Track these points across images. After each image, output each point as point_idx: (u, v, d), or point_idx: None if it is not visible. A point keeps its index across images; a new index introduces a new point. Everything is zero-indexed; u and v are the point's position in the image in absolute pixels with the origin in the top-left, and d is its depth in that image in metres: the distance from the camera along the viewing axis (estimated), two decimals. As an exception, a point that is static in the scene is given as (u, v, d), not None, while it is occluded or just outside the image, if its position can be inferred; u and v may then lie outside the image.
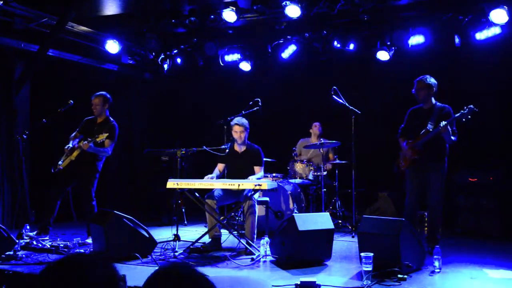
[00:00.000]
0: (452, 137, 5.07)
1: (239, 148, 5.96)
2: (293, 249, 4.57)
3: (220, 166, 6.05)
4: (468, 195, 6.46)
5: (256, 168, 5.87)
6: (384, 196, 7.33)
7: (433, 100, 5.34)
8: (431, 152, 5.20)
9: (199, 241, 5.46)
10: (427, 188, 5.25)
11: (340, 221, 6.94)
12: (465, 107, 4.99)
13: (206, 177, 5.72)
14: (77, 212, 6.24)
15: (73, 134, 6.11)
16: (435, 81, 5.37)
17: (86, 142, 5.67)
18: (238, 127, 5.84)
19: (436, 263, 4.32)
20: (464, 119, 4.97)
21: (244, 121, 5.93)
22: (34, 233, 5.81)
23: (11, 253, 4.82)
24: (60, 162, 5.87)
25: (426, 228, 5.74)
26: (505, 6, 5.96)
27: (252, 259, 4.85)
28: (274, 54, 8.01)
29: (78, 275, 1.36)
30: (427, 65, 7.56)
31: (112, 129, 5.96)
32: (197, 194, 5.53)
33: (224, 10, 6.65)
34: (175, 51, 8.34)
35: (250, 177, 5.59)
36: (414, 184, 5.34)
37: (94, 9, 6.74)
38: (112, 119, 6.09)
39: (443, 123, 5.00)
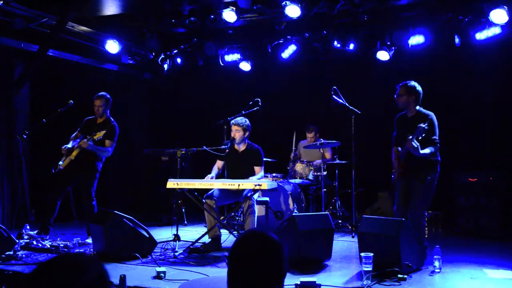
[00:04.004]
0: (427, 150, 4.67)
1: (238, 147, 5.96)
2: (293, 249, 4.57)
3: (219, 163, 6.04)
4: (468, 195, 6.45)
5: (256, 169, 5.87)
6: (384, 196, 7.32)
7: (417, 107, 4.99)
8: (413, 162, 4.82)
9: (199, 241, 5.46)
10: (412, 196, 4.90)
11: (340, 221, 6.94)
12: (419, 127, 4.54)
13: (206, 177, 5.72)
14: (77, 212, 6.24)
15: (74, 134, 6.13)
16: (420, 89, 4.98)
17: (85, 140, 5.69)
18: (235, 126, 5.85)
19: (436, 263, 4.32)
20: (420, 137, 4.58)
21: (243, 121, 5.89)
22: (35, 232, 5.82)
23: (11, 253, 4.82)
24: (60, 163, 5.88)
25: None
26: (505, 6, 5.95)
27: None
28: (274, 54, 8.00)
29: (68, 275, 1.36)
30: (427, 65, 7.57)
31: (112, 128, 5.96)
32: (196, 194, 5.54)
33: (224, 10, 6.64)
34: (175, 51, 8.33)
35: (251, 178, 5.59)
36: (399, 193, 5.05)
37: (94, 9, 6.74)
38: (112, 120, 6.09)
39: (410, 137, 4.63)
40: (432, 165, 4.87)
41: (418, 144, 4.59)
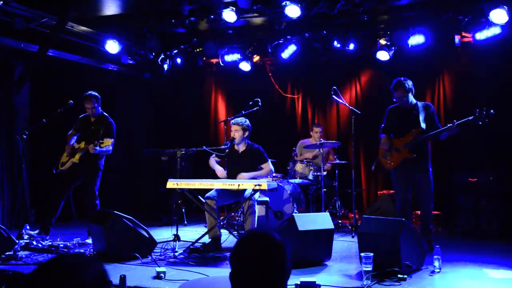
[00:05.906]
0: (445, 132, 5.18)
1: (238, 147, 5.96)
2: (293, 249, 4.56)
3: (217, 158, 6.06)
4: (468, 195, 6.45)
5: (264, 166, 5.90)
6: (384, 196, 7.33)
7: (412, 98, 5.37)
8: (420, 151, 5.25)
9: (199, 241, 5.46)
10: (418, 188, 5.34)
11: (340, 221, 6.94)
12: (477, 111, 4.96)
13: (212, 162, 5.78)
14: (77, 212, 6.25)
15: (69, 133, 6.17)
16: (411, 81, 5.36)
17: (92, 145, 5.72)
18: (234, 126, 5.85)
19: (436, 263, 4.32)
20: (480, 122, 4.97)
21: (242, 120, 5.88)
22: (35, 232, 5.83)
23: (11, 253, 4.82)
24: (62, 164, 5.92)
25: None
26: (505, 6, 5.95)
27: (252, 259, 4.83)
28: (274, 54, 8.01)
29: (68, 275, 1.37)
30: (427, 65, 7.58)
31: (110, 127, 6.00)
32: (196, 193, 5.55)
33: (224, 10, 6.64)
34: (175, 51, 8.33)
35: (246, 174, 5.62)
36: (401, 185, 5.38)
37: (94, 9, 6.73)
38: (106, 115, 6.12)
39: (455, 122, 5.02)
40: (427, 155, 5.33)
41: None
